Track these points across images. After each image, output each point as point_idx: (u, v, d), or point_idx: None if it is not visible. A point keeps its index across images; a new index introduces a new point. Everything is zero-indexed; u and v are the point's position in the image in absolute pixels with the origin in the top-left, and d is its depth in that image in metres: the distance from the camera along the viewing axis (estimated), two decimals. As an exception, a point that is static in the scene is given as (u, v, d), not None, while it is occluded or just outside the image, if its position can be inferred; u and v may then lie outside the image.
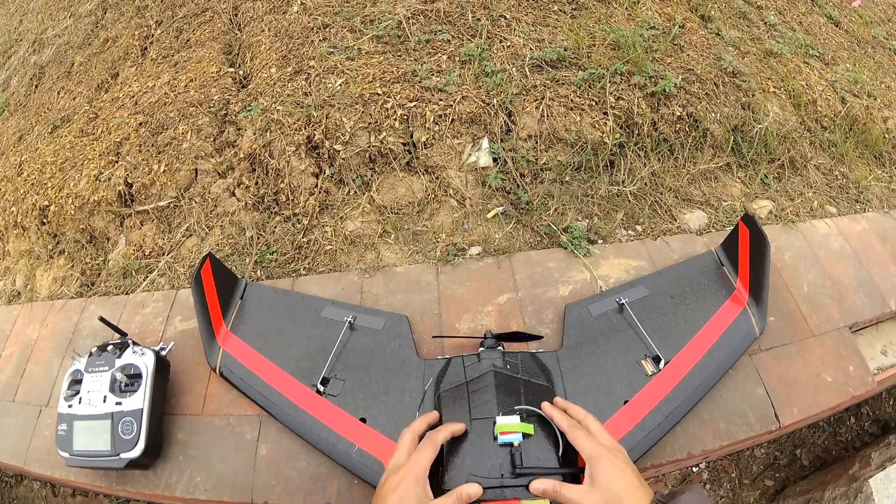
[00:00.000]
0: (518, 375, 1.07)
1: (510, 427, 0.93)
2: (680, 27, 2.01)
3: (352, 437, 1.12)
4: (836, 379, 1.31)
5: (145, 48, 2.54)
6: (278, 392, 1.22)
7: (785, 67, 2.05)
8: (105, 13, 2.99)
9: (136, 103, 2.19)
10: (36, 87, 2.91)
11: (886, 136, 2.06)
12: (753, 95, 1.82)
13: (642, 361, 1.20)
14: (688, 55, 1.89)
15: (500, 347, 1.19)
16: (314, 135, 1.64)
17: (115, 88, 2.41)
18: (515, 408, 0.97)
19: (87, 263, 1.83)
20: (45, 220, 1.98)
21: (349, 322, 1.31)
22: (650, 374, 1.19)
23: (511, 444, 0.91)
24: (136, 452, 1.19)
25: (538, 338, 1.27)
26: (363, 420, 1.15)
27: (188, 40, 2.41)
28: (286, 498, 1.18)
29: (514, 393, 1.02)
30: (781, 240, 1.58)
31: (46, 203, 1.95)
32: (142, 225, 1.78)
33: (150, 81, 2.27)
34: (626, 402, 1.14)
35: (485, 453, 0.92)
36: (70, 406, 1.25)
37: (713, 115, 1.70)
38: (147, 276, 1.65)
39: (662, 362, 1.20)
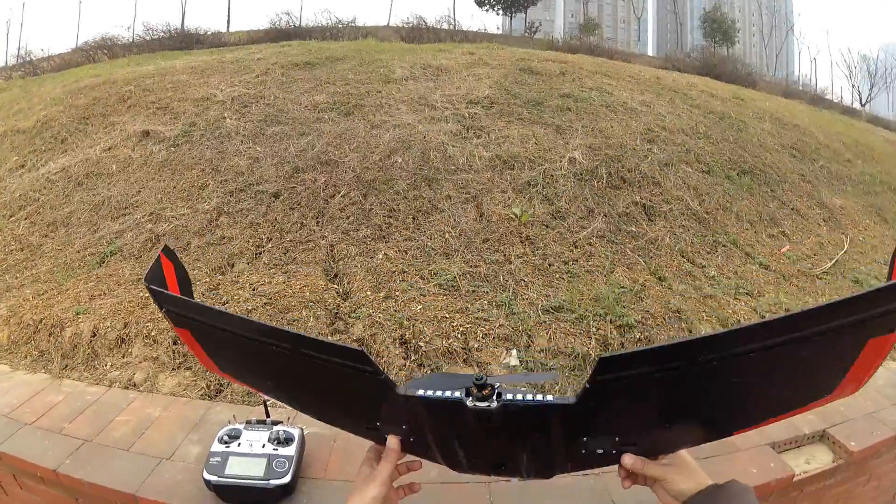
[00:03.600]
0: None
1: None
2: (641, 286, 3.03)
3: None
4: (760, 471, 1.81)
5: (258, 254, 3.40)
6: None
7: (717, 304, 2.97)
8: (220, 216, 3.81)
9: (254, 290, 3.03)
10: (151, 248, 3.61)
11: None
12: (691, 323, 2.74)
13: None
14: (645, 302, 2.86)
15: None
16: (405, 335, 2.57)
17: (232, 274, 3.24)
18: None
19: (213, 381, 2.53)
20: (177, 341, 2.66)
21: None
22: None
23: None
24: (285, 480, 1.69)
25: None
26: None
27: (294, 258, 3.29)
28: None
29: None
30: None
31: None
32: (264, 367, 2.58)
33: (266, 278, 3.12)
34: None
35: None
36: (227, 446, 1.75)
37: (662, 337, 2.63)
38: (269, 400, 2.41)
39: None
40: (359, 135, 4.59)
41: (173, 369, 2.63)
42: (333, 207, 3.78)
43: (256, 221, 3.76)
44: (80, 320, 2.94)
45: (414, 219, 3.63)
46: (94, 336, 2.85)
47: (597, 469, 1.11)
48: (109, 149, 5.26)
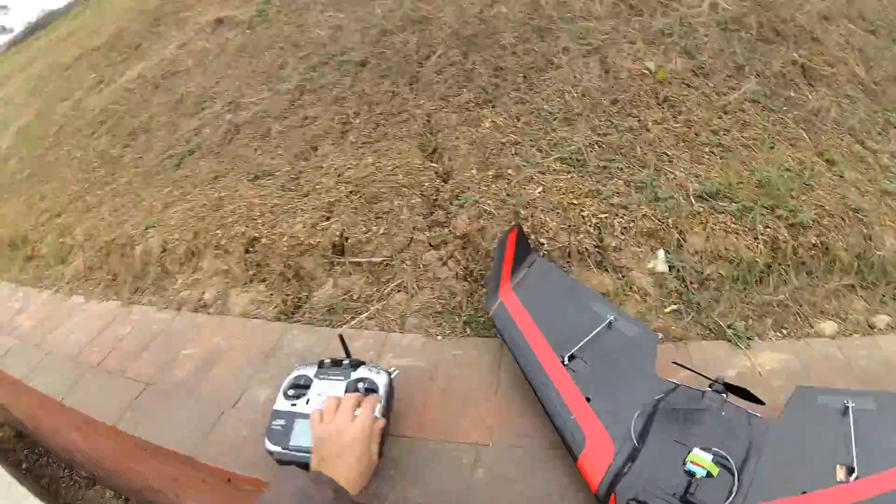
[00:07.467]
0: (728, 423, 1.23)
1: (701, 461, 1.12)
2: (810, 171, 2.32)
3: (573, 407, 1.35)
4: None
5: (345, 132, 2.96)
6: (531, 349, 1.51)
7: (899, 204, 2.28)
8: (302, 95, 3.43)
9: (339, 175, 2.59)
10: (230, 140, 3.35)
11: None
12: (873, 228, 2.07)
13: (838, 465, 1.16)
14: (818, 194, 2.19)
15: (723, 395, 1.31)
16: (522, 228, 1.96)
17: (316, 159, 2.82)
18: (713, 448, 1.15)
19: (289, 295, 2.13)
20: (249, 250, 2.36)
21: (610, 320, 1.57)
22: (839, 480, 1.13)
23: (693, 475, 1.10)
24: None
25: (761, 403, 1.34)
26: (587, 399, 1.36)
27: (386, 133, 2.81)
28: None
29: (717, 436, 1.18)
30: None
31: (256, 235, 2.34)
32: (351, 274, 2.10)
33: (353, 160, 2.66)
34: (804, 492, 1.12)
35: (669, 472, 1.12)
36: (294, 405, 1.38)
37: (841, 244, 2.00)
38: (354, 317, 1.94)
39: (854, 475, 1.12)
40: (453, -16, 3.92)
41: (245, 283, 2.32)
42: (429, 70, 3.22)
43: (342, 95, 3.30)
44: (149, 235, 2.73)
45: (525, 77, 2.96)
46: (163, 252, 2.63)
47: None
48: (184, 45, 5.09)
